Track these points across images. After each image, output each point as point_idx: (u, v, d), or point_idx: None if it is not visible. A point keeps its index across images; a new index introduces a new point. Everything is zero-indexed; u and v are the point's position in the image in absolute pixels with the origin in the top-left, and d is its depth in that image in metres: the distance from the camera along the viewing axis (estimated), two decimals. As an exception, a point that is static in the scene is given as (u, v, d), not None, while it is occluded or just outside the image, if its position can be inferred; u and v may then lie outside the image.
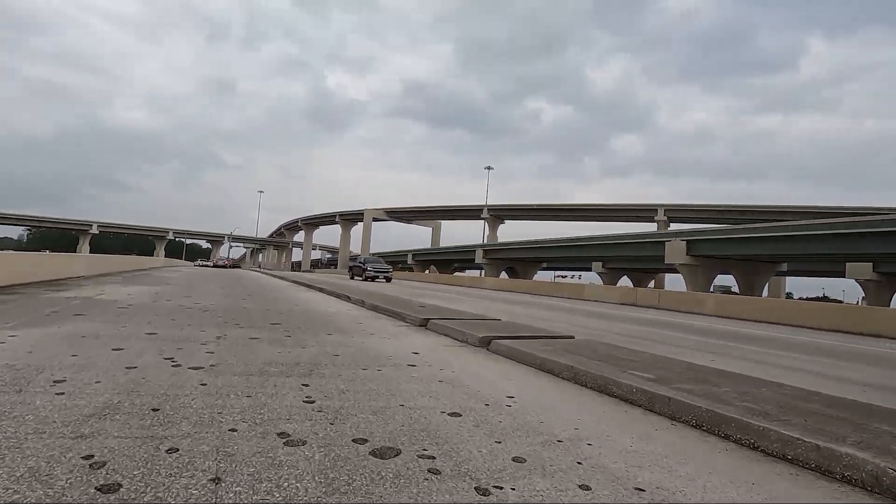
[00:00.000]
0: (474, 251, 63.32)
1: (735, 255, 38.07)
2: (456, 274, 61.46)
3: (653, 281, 69.28)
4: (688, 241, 38.89)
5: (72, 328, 4.82)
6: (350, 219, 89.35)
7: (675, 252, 39.27)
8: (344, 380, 3.45)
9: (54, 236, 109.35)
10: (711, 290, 41.88)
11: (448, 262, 74.20)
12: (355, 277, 31.28)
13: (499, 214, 76.01)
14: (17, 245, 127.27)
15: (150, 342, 4.35)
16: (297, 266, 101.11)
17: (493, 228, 75.33)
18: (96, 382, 2.95)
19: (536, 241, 56.13)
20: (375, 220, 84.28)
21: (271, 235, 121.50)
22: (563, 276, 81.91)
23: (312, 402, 2.85)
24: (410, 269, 70.09)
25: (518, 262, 62.46)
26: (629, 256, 49.74)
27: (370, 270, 29.34)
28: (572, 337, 6.08)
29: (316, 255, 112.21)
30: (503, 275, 62.32)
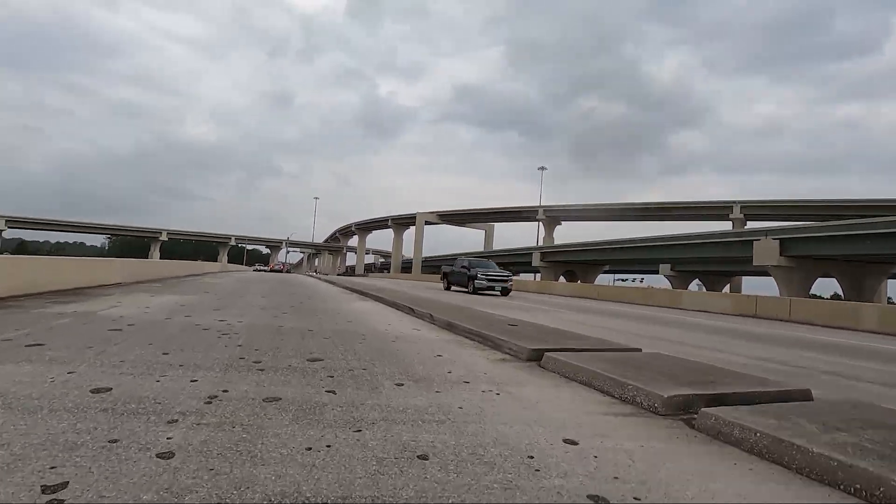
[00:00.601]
0: (531, 254, 60.33)
1: (840, 256, 33.06)
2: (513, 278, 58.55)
3: (728, 284, 63.38)
4: (781, 239, 34.25)
5: (-21, 379, 2.88)
6: (402, 223, 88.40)
7: (766, 252, 34.71)
8: None
9: (131, 243, 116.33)
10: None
11: (503, 265, 71.26)
12: (452, 288, 22.03)
13: (555, 216, 72.21)
14: (100, 252, 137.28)
15: (70, 422, 2.26)
16: (350, 270, 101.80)
17: (549, 230, 71.72)
18: None
19: (599, 243, 52.39)
20: (428, 223, 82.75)
21: (327, 240, 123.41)
22: (623, 280, 76.99)
23: None
24: (464, 273, 67.82)
25: (577, 265, 58.74)
26: (705, 258, 45.09)
27: (481, 279, 19.34)
28: (808, 394, 3.53)
29: (369, 259, 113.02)
30: (561, 278, 58.86)
